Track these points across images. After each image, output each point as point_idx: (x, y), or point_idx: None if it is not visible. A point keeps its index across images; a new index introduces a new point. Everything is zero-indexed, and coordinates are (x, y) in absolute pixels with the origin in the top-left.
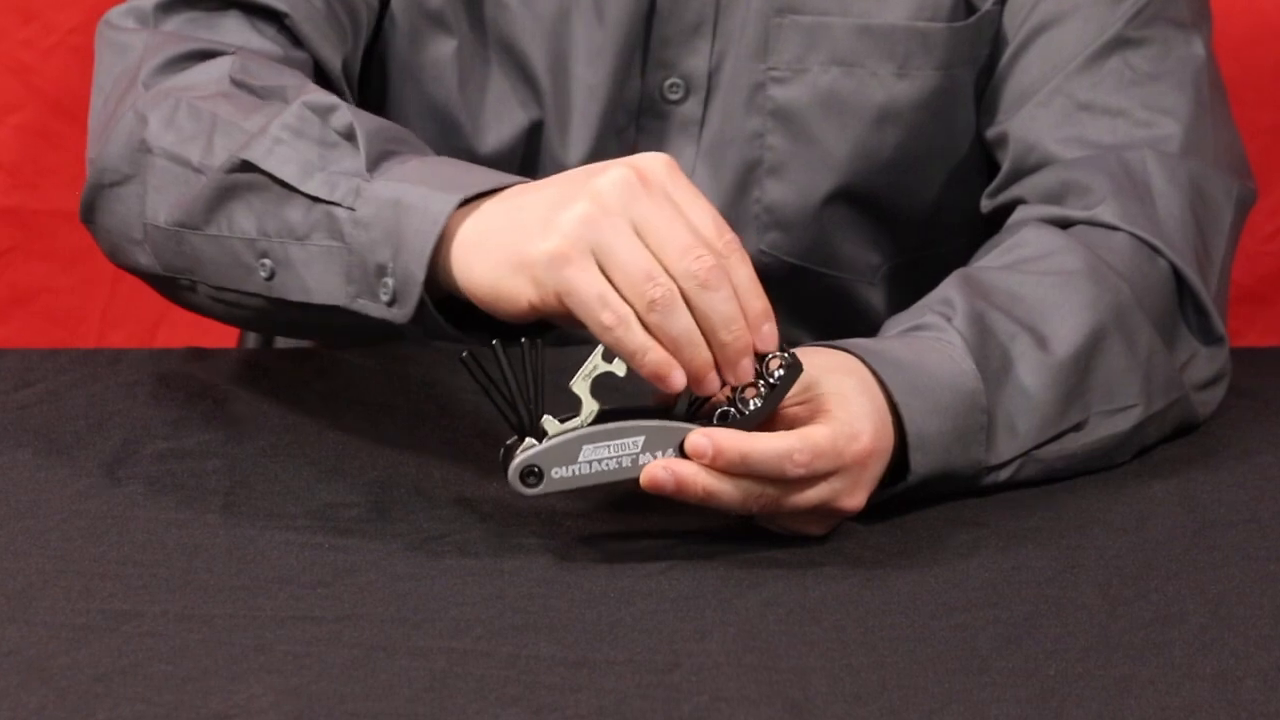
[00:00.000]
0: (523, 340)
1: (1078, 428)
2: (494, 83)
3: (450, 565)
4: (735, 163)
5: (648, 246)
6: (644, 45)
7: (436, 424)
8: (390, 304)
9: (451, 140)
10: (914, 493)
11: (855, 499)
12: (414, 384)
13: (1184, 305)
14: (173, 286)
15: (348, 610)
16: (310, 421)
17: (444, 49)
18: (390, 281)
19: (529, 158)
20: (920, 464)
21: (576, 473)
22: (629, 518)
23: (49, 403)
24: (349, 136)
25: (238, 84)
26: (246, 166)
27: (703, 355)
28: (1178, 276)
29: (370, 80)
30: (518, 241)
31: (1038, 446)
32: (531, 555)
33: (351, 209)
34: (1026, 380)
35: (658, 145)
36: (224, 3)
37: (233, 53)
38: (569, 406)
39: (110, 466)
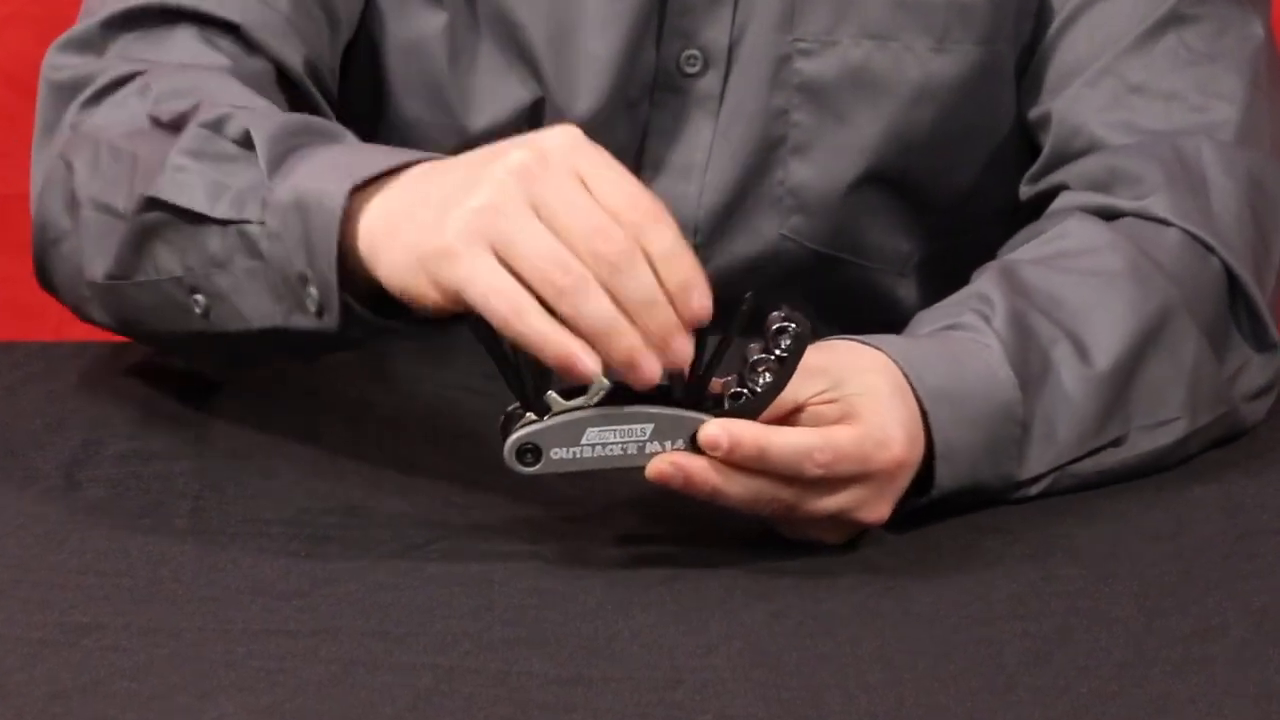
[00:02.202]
0: None
1: (1116, 443)
2: (487, 59)
3: (435, 575)
4: (757, 141)
5: (554, 232)
6: (660, 14)
7: (421, 424)
8: (319, 314)
9: (443, 120)
10: (937, 505)
11: (878, 511)
12: (398, 380)
13: (1236, 309)
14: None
15: (325, 623)
16: (286, 420)
17: (433, 23)
18: (314, 290)
19: None
20: (946, 477)
21: (577, 455)
22: (628, 523)
23: (3, 400)
24: (246, 144)
25: (154, 120)
26: (153, 204)
27: (624, 341)
28: (1231, 277)
29: (359, 59)
30: (417, 239)
31: (1073, 461)
32: (523, 564)
33: (262, 223)
34: (1067, 389)
35: (673, 121)
36: (173, 17)
37: (142, 71)
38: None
39: (69, 469)
